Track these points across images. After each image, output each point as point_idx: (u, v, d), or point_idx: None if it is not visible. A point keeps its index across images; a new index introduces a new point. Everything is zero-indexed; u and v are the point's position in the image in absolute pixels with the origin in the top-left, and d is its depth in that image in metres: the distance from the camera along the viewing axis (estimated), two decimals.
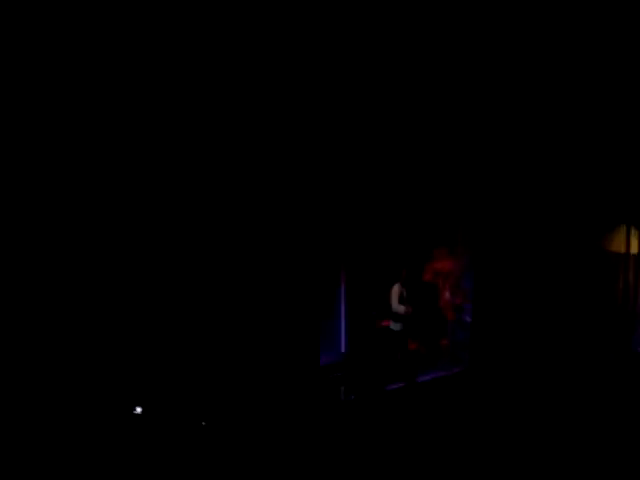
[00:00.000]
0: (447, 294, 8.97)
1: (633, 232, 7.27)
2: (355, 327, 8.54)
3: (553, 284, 7.80)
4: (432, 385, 8.42)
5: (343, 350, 8.53)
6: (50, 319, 5.98)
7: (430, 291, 9.18)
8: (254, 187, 6.72)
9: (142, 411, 6.43)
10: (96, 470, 5.72)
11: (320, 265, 7.49)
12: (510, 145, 7.54)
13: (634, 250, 7.41)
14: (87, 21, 5.74)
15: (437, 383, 8.47)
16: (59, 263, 5.99)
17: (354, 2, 6.33)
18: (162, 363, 6.50)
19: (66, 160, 5.94)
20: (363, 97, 7.00)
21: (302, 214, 7.06)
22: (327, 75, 6.71)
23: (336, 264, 8.07)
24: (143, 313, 6.45)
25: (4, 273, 5.75)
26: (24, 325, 5.89)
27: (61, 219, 5.98)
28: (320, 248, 7.41)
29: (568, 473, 6.04)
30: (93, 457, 5.82)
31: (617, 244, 7.74)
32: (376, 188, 7.69)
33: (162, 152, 6.21)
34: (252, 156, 6.68)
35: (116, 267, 6.25)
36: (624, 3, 6.30)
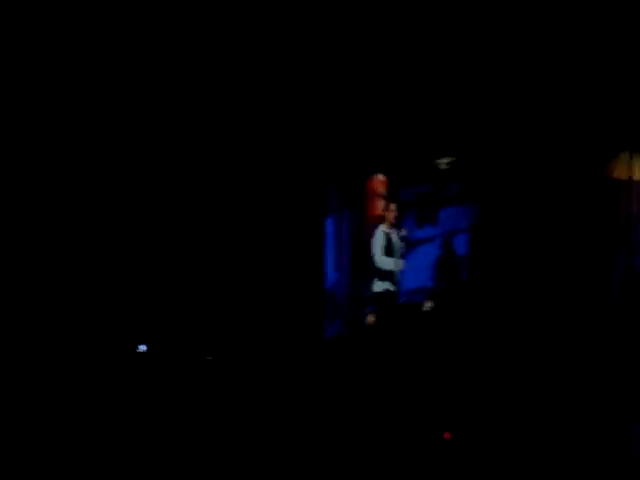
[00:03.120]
0: None
1: (636, 158, 7.08)
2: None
3: (554, 213, 7.69)
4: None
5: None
6: (49, 254, 6.10)
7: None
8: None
9: (147, 349, 6.51)
10: (100, 411, 5.81)
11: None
12: (507, 70, 7.47)
13: (637, 177, 7.23)
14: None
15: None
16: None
17: None
18: (167, 300, 6.58)
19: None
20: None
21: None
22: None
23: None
24: (146, 250, 6.54)
25: None
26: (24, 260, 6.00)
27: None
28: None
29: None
30: (96, 399, 5.92)
31: (620, 171, 7.58)
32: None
33: None
34: None
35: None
36: None
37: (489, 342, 7.44)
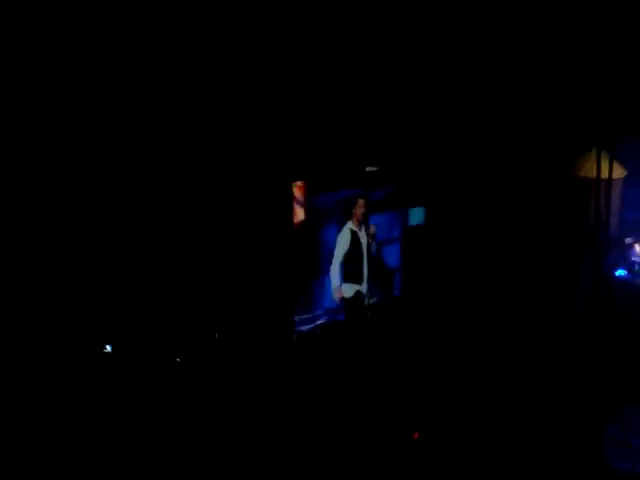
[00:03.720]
0: None
1: (604, 156, 7.03)
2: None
3: (522, 212, 7.64)
4: None
5: None
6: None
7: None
8: None
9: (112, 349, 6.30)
10: (67, 411, 5.63)
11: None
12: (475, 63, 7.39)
13: (605, 175, 7.17)
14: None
15: None
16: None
17: None
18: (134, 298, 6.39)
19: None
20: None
21: None
22: None
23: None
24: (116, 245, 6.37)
25: None
26: None
27: None
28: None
29: None
30: (63, 398, 5.74)
31: (587, 169, 7.54)
32: None
33: None
34: None
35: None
36: None
37: (458, 343, 7.35)
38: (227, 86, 6.55)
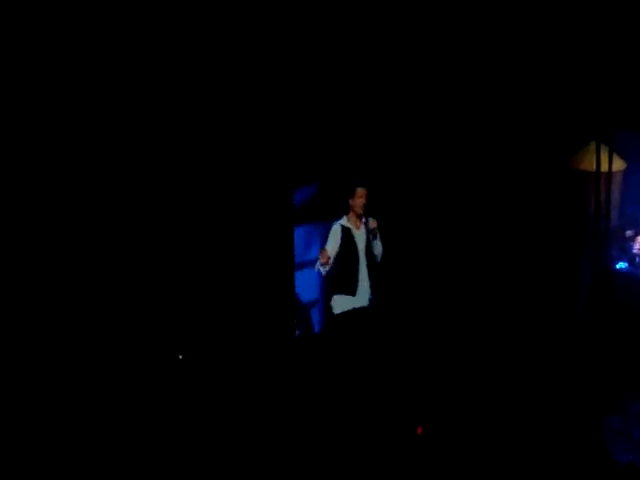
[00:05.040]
0: None
1: (603, 149, 7.02)
2: None
3: (522, 206, 7.61)
4: None
5: None
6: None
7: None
8: None
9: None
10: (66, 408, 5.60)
11: None
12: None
13: (604, 168, 7.15)
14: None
15: None
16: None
17: None
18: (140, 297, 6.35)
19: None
20: None
21: None
22: None
23: None
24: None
25: None
26: None
27: None
28: None
29: None
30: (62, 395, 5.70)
31: (587, 162, 7.52)
32: None
33: None
34: None
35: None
36: None
37: (460, 339, 7.32)
38: None
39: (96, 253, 6.07)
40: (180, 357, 6.20)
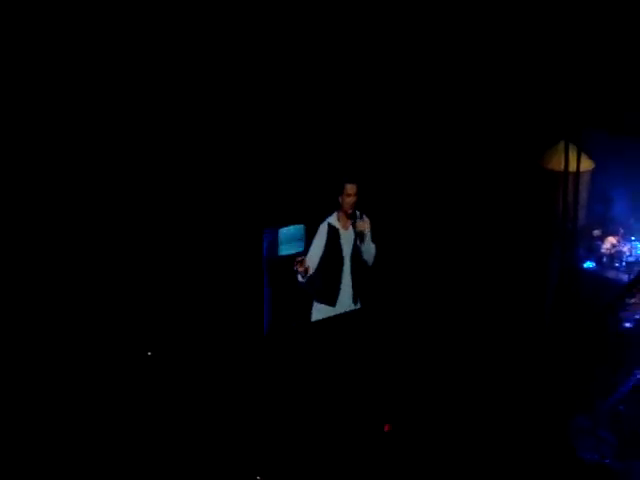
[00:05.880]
0: None
1: (572, 149, 7.05)
2: None
3: (490, 205, 7.64)
4: None
5: None
6: None
7: None
8: None
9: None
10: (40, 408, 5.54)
11: None
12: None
13: (573, 168, 7.20)
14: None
15: None
16: None
17: None
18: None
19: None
20: None
21: None
22: None
23: None
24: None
25: None
26: None
27: None
28: None
29: None
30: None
31: (555, 162, 7.57)
32: None
33: None
34: None
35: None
36: None
37: (427, 337, 7.31)
38: None
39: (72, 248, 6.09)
40: (149, 354, 6.14)
